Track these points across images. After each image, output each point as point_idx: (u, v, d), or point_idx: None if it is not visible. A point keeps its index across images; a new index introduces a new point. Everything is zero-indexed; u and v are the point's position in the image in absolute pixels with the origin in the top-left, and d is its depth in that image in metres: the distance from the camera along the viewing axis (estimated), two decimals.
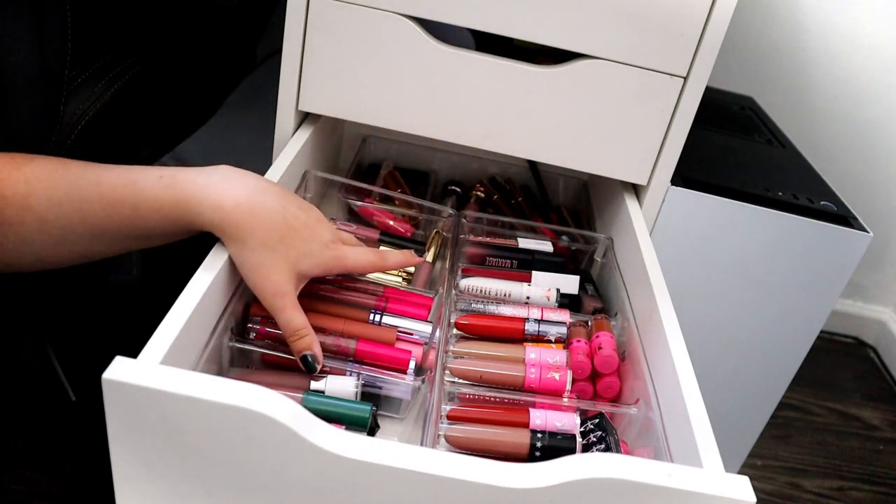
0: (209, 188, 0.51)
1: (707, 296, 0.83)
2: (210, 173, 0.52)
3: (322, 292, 0.62)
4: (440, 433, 0.52)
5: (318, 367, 0.54)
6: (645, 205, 0.74)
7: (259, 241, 0.51)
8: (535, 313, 0.63)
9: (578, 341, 0.60)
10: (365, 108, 0.71)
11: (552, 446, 0.51)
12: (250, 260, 0.51)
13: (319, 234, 0.55)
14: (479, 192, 0.89)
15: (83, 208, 0.51)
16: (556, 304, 0.66)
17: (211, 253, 0.52)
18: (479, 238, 0.74)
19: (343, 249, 0.57)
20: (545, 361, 0.58)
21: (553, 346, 0.61)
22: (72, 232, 0.52)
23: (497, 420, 0.53)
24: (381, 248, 0.70)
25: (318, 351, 0.53)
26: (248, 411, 0.37)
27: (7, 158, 0.52)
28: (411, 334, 0.60)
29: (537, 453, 0.51)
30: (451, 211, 0.78)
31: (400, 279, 0.69)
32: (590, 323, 0.63)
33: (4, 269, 0.54)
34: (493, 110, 0.70)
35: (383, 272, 0.67)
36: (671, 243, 0.78)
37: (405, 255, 0.63)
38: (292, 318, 0.53)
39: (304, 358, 0.53)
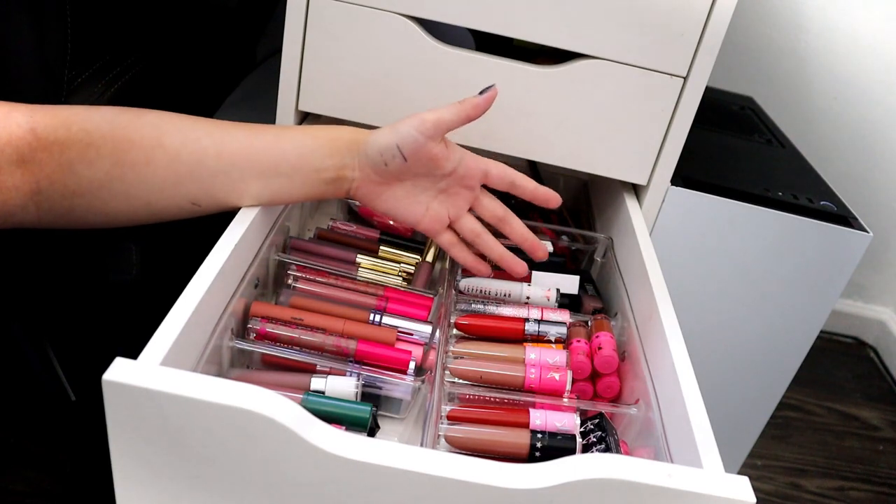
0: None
1: (707, 296, 0.83)
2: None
3: (322, 292, 0.62)
4: (440, 433, 0.52)
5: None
6: (645, 205, 0.74)
7: None
8: (534, 313, 0.63)
9: (578, 341, 0.60)
10: (365, 108, 0.71)
11: (552, 446, 0.51)
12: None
13: None
14: None
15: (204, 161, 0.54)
16: (556, 304, 0.66)
17: (211, 253, 0.52)
18: None
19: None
20: (545, 362, 0.58)
21: (553, 346, 0.61)
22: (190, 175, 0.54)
23: (497, 420, 0.53)
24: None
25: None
26: (249, 412, 0.38)
27: (123, 111, 0.54)
28: (411, 334, 0.60)
29: (537, 453, 0.51)
30: None
31: (400, 279, 0.69)
32: (590, 323, 0.63)
33: (105, 222, 0.55)
34: (493, 110, 0.70)
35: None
36: (671, 243, 0.78)
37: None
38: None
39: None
